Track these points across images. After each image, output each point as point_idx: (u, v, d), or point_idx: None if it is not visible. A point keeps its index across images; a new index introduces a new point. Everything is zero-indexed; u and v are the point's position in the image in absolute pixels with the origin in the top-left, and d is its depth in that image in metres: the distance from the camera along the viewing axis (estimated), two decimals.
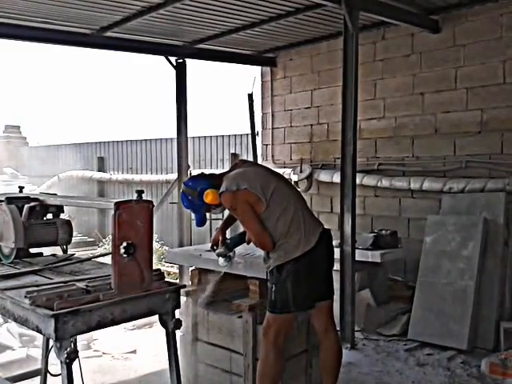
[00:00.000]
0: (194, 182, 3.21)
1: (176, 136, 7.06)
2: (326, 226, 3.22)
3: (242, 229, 3.35)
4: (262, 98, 7.67)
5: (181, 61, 6.86)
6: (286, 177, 6.70)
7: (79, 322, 2.19)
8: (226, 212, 3.44)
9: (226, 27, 6.00)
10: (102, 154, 12.34)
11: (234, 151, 9.09)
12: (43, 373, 3.43)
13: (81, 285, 2.39)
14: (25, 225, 2.98)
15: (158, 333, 3.76)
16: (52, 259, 3.14)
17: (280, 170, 6.08)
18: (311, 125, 7.02)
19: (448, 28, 5.57)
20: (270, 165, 6.66)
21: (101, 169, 12.18)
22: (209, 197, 3.09)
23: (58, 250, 3.30)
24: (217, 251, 3.37)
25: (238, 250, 3.43)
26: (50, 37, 5.72)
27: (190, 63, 6.97)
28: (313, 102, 6.99)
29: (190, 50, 6.71)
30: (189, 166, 7.16)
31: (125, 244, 2.31)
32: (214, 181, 3.18)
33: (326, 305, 3.22)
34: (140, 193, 2.43)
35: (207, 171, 3.48)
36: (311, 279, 3.06)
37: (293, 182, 6.82)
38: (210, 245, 3.53)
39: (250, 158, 7.50)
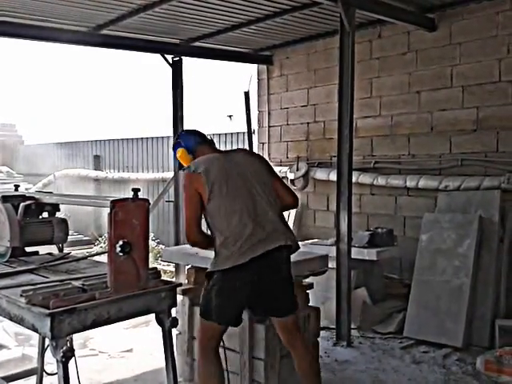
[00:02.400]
0: (182, 136, 3.31)
1: (172, 134, 7.05)
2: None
3: None
4: (259, 96, 7.66)
5: (177, 59, 6.84)
6: (282, 175, 6.70)
7: (75, 320, 2.19)
8: None
9: (222, 25, 5.99)
10: (97, 153, 12.32)
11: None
12: (39, 372, 3.43)
13: (77, 283, 2.39)
14: (20, 223, 2.98)
15: (154, 331, 3.78)
16: (48, 258, 3.12)
17: (276, 168, 6.03)
18: (307, 123, 7.02)
19: (444, 26, 5.58)
20: None
21: (97, 167, 12.16)
22: (178, 154, 3.23)
23: (53, 249, 3.29)
24: None
25: None
26: (46, 35, 5.69)
27: (187, 61, 6.97)
28: (309, 100, 6.99)
29: (186, 47, 6.70)
30: None
31: (121, 242, 2.30)
32: (195, 146, 3.21)
33: (284, 321, 2.99)
34: (136, 191, 2.43)
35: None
36: (238, 296, 2.85)
37: (289, 181, 6.82)
38: None
39: None
